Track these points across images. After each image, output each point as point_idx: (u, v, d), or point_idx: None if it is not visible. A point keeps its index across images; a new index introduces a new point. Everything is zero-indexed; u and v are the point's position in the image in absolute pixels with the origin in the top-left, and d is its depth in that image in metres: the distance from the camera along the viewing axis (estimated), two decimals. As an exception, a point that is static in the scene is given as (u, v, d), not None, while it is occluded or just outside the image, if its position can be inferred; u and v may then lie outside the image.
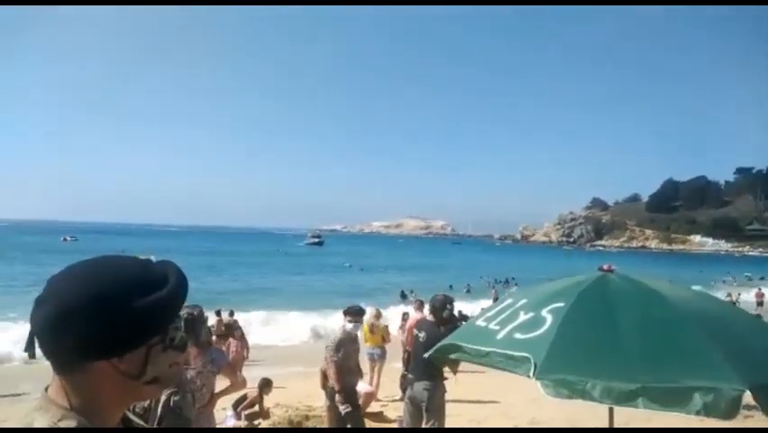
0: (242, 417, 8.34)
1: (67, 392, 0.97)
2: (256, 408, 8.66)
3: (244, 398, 8.59)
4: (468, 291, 33.32)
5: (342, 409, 6.31)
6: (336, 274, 47.77)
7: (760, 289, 32.37)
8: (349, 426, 6.41)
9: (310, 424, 7.36)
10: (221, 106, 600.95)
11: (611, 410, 3.76)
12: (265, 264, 56.73)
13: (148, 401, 3.45)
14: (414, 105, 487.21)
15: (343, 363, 6.40)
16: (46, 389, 1.00)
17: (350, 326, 6.61)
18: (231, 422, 8.34)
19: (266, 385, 8.98)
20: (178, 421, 3.62)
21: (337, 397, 6.30)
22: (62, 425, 0.94)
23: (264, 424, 7.61)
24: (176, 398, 3.66)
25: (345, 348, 6.46)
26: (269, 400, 8.99)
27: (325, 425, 6.99)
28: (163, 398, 3.55)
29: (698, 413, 2.49)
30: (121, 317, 0.96)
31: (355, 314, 6.74)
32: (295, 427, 7.35)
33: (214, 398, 4.18)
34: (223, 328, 14.11)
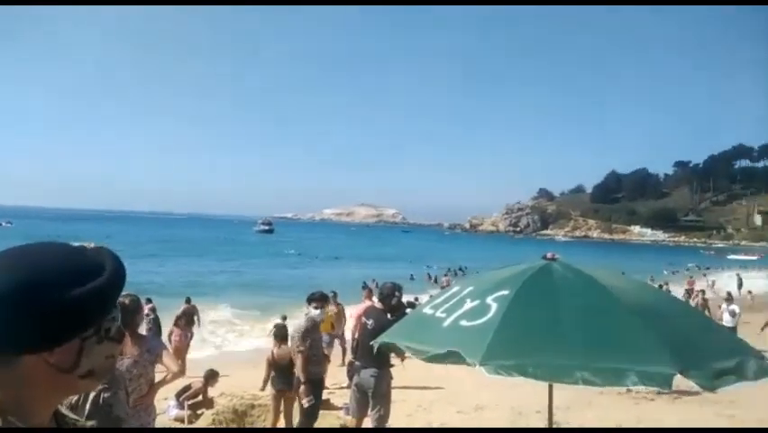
0: (185, 406, 8.17)
1: None
2: (200, 397, 8.51)
3: (188, 387, 8.42)
4: (434, 280, 33.45)
5: (306, 401, 6.24)
6: (289, 264, 47.05)
7: (692, 277, 34.01)
8: (302, 419, 6.33)
9: (255, 413, 7.28)
10: (174, 92, 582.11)
11: (551, 388, 3.90)
12: (213, 252, 55.48)
13: (75, 397, 3.28)
14: (364, 95, 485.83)
15: (310, 353, 6.30)
16: None
17: (315, 312, 6.52)
18: (173, 412, 8.17)
19: (211, 377, 8.82)
20: (107, 420, 3.45)
21: (302, 388, 6.19)
22: None
23: (208, 413, 7.48)
24: (106, 395, 3.50)
25: (311, 337, 6.38)
26: (213, 389, 8.85)
27: (271, 414, 6.93)
28: (92, 394, 3.38)
29: (634, 384, 2.66)
30: (50, 307, 0.88)
31: (320, 300, 6.68)
32: (240, 416, 7.26)
33: (153, 388, 4.06)
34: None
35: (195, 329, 16.16)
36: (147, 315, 12.44)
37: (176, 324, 11.89)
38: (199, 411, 8.04)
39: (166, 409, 8.07)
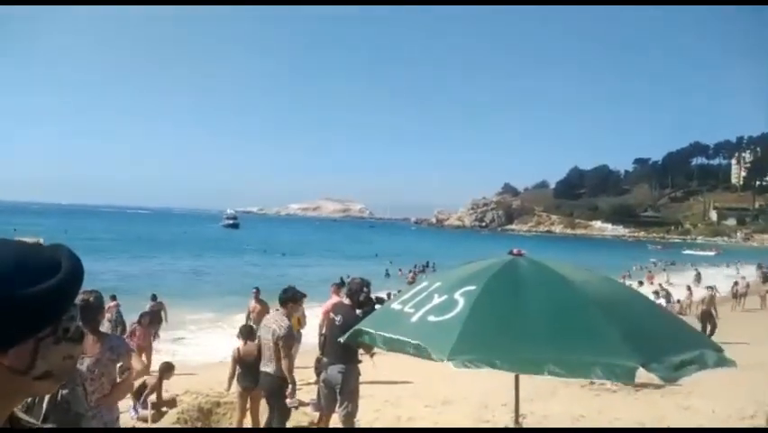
0: (149, 406, 8.02)
1: None
2: (165, 394, 8.36)
3: (144, 385, 8.21)
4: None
5: (290, 402, 6.17)
6: (254, 261, 46.33)
7: (650, 272, 34.91)
8: (280, 419, 6.25)
9: (221, 411, 7.19)
10: (133, 87, 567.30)
11: (517, 381, 3.97)
12: (177, 248, 54.29)
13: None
14: (331, 90, 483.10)
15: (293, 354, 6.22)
16: None
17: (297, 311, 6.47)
18: (136, 412, 8.01)
19: (167, 370, 8.62)
20: (66, 418, 3.35)
21: (290, 388, 6.09)
22: None
23: (172, 412, 7.35)
24: (64, 392, 3.39)
25: (294, 337, 6.33)
26: (178, 387, 8.71)
27: (237, 412, 6.86)
28: None
29: (599, 377, 2.72)
30: (1, 307, 0.85)
31: (300, 298, 6.60)
32: (205, 414, 7.16)
33: (116, 387, 3.97)
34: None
35: (162, 327, 15.92)
36: (109, 313, 12.19)
37: (139, 322, 11.65)
38: (163, 409, 7.90)
39: (128, 409, 7.90)
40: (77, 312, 0.97)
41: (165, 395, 8.42)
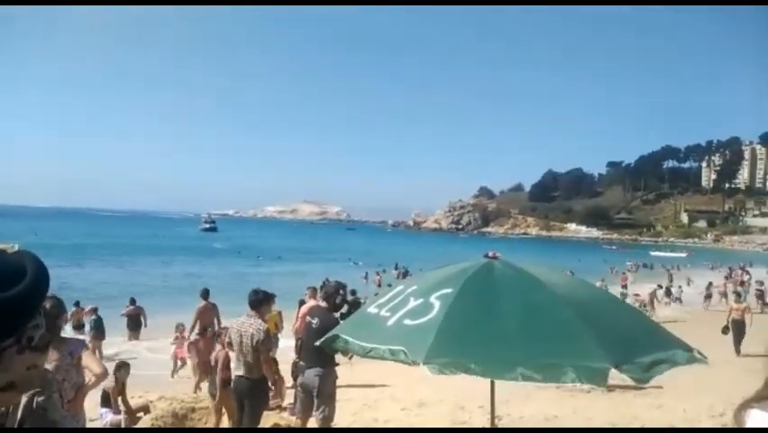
0: (122, 411, 7.85)
1: None
2: (137, 401, 8.21)
3: (105, 393, 7.95)
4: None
5: (273, 403, 6.14)
6: (233, 264, 45.83)
7: (624, 273, 35.46)
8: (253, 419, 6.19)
9: (196, 416, 7.12)
10: (108, 88, 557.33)
11: (492, 384, 4.00)
12: (153, 252, 53.29)
13: None
14: (308, 93, 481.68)
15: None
16: None
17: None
18: (108, 417, 7.85)
19: (121, 367, 8.36)
20: (43, 424, 3.32)
21: (273, 391, 6.04)
22: None
23: (146, 418, 7.25)
24: (40, 399, 3.35)
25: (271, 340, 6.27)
26: (151, 394, 8.58)
27: (212, 417, 6.79)
28: (25, 399, 3.22)
29: (572, 382, 2.73)
30: None
31: (270, 299, 6.54)
32: (180, 419, 7.07)
33: (80, 392, 3.90)
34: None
35: (141, 331, 15.69)
36: (68, 318, 11.95)
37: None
38: (138, 415, 7.76)
39: (99, 415, 7.74)
40: (42, 320, 0.94)
41: (139, 401, 8.27)
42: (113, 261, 43.24)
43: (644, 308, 18.75)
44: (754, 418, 1.30)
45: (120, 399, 7.83)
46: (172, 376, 12.12)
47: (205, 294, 11.99)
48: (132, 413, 7.78)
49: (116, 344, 14.74)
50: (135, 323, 15.62)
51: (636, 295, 19.91)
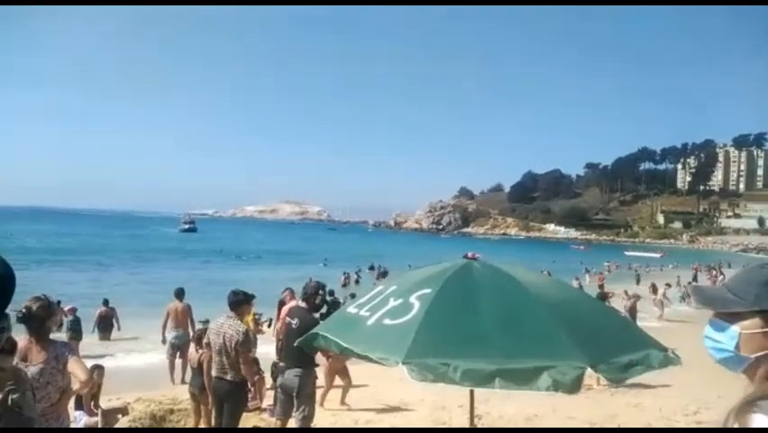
0: (99, 413, 7.74)
1: None
2: (114, 403, 8.09)
3: (78, 397, 7.83)
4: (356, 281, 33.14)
5: (252, 404, 6.09)
6: (213, 265, 45.33)
7: (601, 273, 35.88)
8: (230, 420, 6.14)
9: (174, 418, 7.05)
10: (85, 88, 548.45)
11: (472, 392, 4.03)
12: (134, 253, 52.39)
13: None
14: (288, 91, 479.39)
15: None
16: None
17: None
18: (83, 419, 7.73)
19: (95, 370, 8.24)
20: (19, 422, 3.25)
21: (252, 392, 5.98)
22: None
23: (124, 420, 7.15)
24: (14, 396, 3.28)
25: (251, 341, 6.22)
26: (129, 395, 8.46)
27: (191, 418, 6.73)
28: None
29: (547, 389, 2.72)
30: None
31: (250, 300, 6.47)
32: (158, 421, 7.00)
33: (64, 395, 3.85)
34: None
35: (114, 333, 15.44)
36: (58, 320, 11.75)
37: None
38: (116, 417, 7.65)
39: (74, 418, 7.61)
40: (8, 322, 0.93)
41: (116, 402, 8.16)
42: (87, 261, 42.53)
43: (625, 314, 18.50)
44: (759, 421, 1.26)
45: (93, 402, 7.73)
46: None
47: (180, 294, 11.79)
48: (108, 415, 7.69)
49: (90, 345, 14.49)
50: (107, 324, 15.40)
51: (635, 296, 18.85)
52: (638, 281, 33.65)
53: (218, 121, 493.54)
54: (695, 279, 37.65)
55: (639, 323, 12.03)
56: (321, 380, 6.70)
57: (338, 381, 8.70)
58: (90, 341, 14.59)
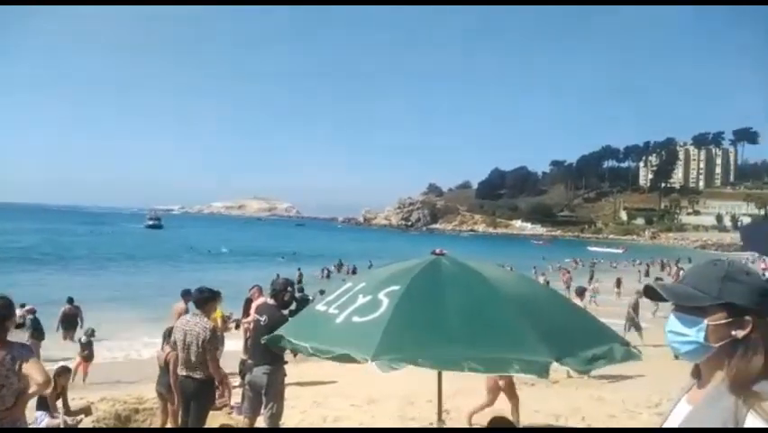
0: (61, 414, 7.56)
1: None
2: (77, 402, 7.92)
3: (43, 398, 7.64)
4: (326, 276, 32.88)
5: (220, 402, 6.01)
6: (180, 262, 44.55)
7: (568, 271, 36.44)
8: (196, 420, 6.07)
9: (140, 417, 6.94)
10: (49, 82, 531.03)
11: (440, 377, 4.08)
12: (98, 249, 51.12)
13: None
14: (258, 90, 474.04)
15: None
16: None
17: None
18: (44, 420, 7.54)
19: (61, 373, 8.06)
20: None
21: (219, 390, 5.90)
22: None
23: (87, 421, 7.00)
24: None
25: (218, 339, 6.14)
26: (93, 395, 8.30)
27: (158, 417, 6.64)
28: None
29: (516, 372, 2.85)
30: None
31: (216, 297, 6.38)
32: (123, 421, 6.88)
33: (20, 399, 3.73)
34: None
35: (78, 332, 15.06)
36: (21, 319, 11.44)
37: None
38: (78, 418, 7.49)
39: (35, 419, 7.42)
40: None
41: (80, 402, 7.99)
42: (50, 258, 41.43)
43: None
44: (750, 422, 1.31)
45: (60, 401, 7.56)
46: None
47: (186, 294, 11.60)
48: (71, 414, 7.52)
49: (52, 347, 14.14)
50: (71, 323, 15.06)
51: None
52: (591, 277, 33.89)
53: (190, 118, 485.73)
54: (647, 274, 39.06)
55: (605, 319, 12.26)
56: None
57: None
58: (50, 342, 14.23)
